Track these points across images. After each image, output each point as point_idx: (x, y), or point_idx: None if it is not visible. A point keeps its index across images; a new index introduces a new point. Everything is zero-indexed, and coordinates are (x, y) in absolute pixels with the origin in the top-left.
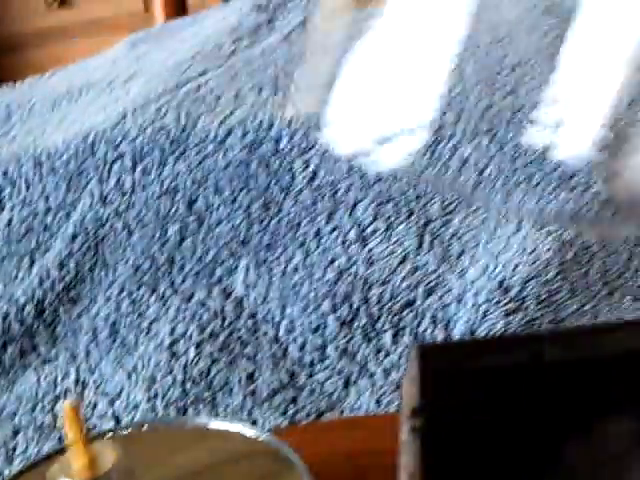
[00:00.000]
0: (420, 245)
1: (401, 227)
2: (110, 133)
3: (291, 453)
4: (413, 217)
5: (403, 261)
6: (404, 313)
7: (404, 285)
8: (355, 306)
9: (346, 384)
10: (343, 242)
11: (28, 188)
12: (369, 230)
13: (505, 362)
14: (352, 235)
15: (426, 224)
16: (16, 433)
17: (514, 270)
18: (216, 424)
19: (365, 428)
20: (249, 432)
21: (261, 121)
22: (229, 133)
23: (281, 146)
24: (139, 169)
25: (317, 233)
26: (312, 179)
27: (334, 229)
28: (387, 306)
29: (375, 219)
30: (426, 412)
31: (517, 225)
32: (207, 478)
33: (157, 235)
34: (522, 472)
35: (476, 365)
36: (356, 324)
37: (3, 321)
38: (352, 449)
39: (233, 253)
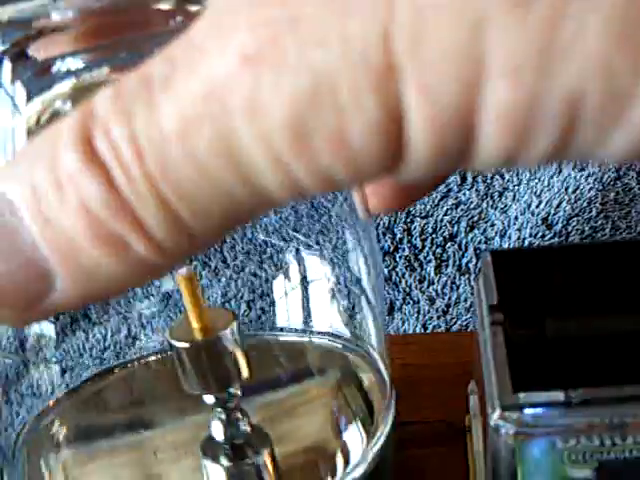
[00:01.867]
0: (463, 181)
1: None
2: None
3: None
4: None
5: (446, 196)
6: (447, 245)
7: (447, 219)
8: (398, 237)
9: (390, 310)
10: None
11: None
12: None
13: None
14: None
15: None
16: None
17: (557, 207)
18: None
19: (417, 344)
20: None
21: None
22: None
23: None
24: None
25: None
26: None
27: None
28: (430, 238)
29: None
30: (504, 308)
31: (558, 166)
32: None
33: None
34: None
35: (548, 268)
36: (399, 254)
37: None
38: (406, 362)
39: (284, 238)
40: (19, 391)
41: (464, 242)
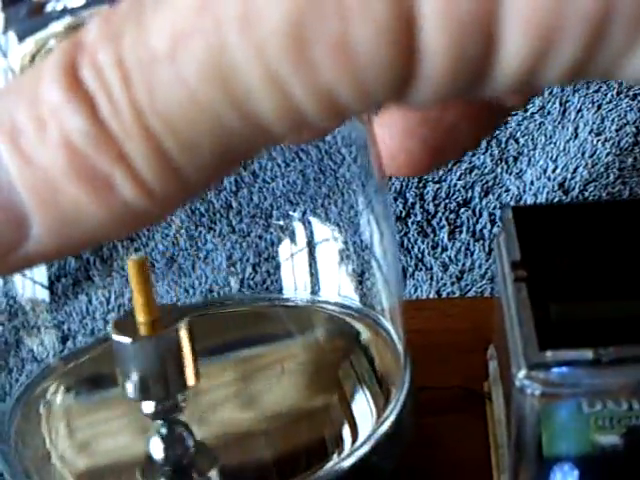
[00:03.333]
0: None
1: None
2: None
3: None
4: None
5: (459, 160)
6: (461, 211)
7: (460, 183)
8: (410, 202)
9: (403, 276)
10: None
11: None
12: None
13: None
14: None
15: None
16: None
17: (574, 173)
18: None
19: (433, 309)
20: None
21: None
22: None
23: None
24: None
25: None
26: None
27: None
28: (443, 203)
29: None
30: (526, 264)
31: (574, 131)
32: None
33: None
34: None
35: (571, 224)
36: (411, 219)
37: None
38: (423, 327)
39: (290, 201)
40: (10, 359)
41: (478, 208)
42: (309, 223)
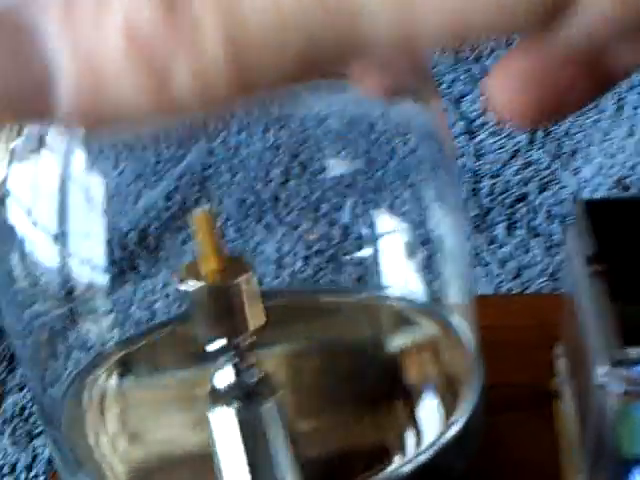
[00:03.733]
0: (532, 141)
1: None
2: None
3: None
4: None
5: (514, 156)
6: (517, 206)
7: (516, 179)
8: (464, 197)
9: None
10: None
11: (143, 149)
12: (477, 123)
13: None
14: (459, 128)
15: None
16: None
17: (632, 169)
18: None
19: (493, 306)
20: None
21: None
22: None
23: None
24: (244, 134)
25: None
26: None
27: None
28: (499, 199)
29: (484, 113)
30: (601, 259)
31: (629, 129)
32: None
33: (261, 176)
34: None
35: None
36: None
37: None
38: (484, 324)
39: (339, 194)
40: (65, 345)
41: (535, 204)
42: (371, 215)
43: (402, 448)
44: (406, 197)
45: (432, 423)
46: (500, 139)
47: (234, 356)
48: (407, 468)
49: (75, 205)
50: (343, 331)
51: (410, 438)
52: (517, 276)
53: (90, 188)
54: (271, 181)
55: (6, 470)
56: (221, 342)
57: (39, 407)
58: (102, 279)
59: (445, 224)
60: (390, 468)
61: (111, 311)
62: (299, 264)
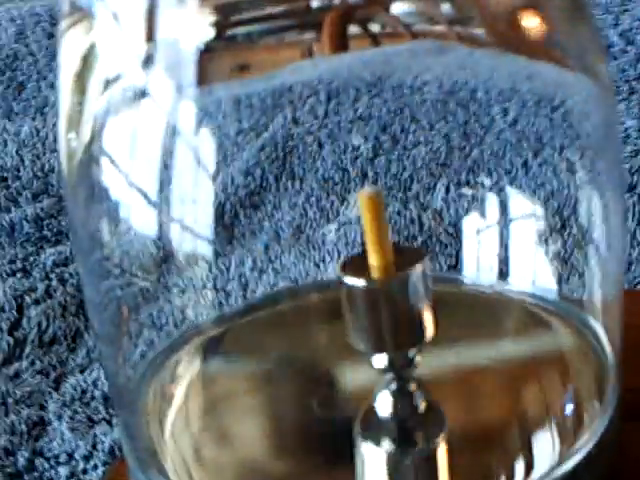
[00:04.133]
0: None
1: (621, 106)
2: (305, 79)
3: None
4: (634, 97)
5: (624, 142)
6: (625, 196)
7: (625, 167)
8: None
9: None
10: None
11: (224, 117)
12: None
13: None
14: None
15: None
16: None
17: None
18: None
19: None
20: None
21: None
22: (425, 83)
23: (478, 95)
24: (333, 102)
25: (524, 164)
26: (514, 124)
27: (542, 163)
28: None
29: None
30: None
31: None
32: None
33: (349, 150)
34: None
35: None
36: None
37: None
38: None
39: (432, 173)
40: (149, 321)
41: None
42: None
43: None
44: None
45: (547, 453)
46: None
47: (395, 377)
48: None
49: (181, 166)
50: (450, 329)
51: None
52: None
53: (199, 146)
54: (359, 157)
55: (62, 459)
56: (384, 358)
57: (113, 389)
58: (205, 250)
59: (593, 207)
60: None
61: (204, 287)
62: None
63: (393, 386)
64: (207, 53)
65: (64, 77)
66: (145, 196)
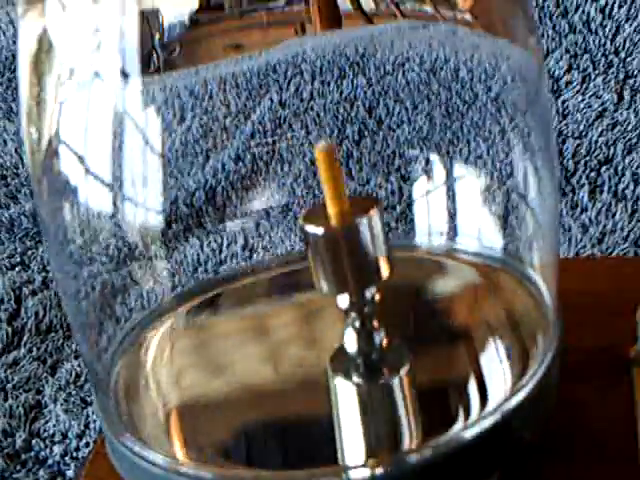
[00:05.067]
0: (619, 100)
1: (598, 80)
2: (291, 58)
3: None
4: (611, 70)
5: (600, 116)
6: (602, 169)
7: (601, 140)
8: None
9: None
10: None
11: (210, 99)
12: (563, 81)
13: None
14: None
15: (626, 79)
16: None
17: None
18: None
19: (572, 270)
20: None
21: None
22: (408, 59)
23: (461, 75)
24: (317, 81)
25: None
26: (495, 99)
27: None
28: (583, 161)
29: (569, 70)
30: None
31: None
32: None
33: (335, 134)
34: None
35: None
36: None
37: (171, 205)
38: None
39: (413, 147)
40: (119, 304)
41: (621, 166)
42: (441, 162)
43: (467, 408)
44: (493, 144)
45: (503, 380)
46: (586, 98)
47: (358, 315)
48: (473, 430)
49: (131, 149)
50: (406, 286)
51: (472, 399)
52: (600, 242)
53: (147, 129)
54: (344, 139)
55: (57, 438)
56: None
57: (90, 371)
58: (158, 230)
59: (533, 176)
60: (454, 430)
61: (168, 267)
62: None
63: (357, 324)
64: (199, 32)
65: (22, 70)
66: (101, 180)
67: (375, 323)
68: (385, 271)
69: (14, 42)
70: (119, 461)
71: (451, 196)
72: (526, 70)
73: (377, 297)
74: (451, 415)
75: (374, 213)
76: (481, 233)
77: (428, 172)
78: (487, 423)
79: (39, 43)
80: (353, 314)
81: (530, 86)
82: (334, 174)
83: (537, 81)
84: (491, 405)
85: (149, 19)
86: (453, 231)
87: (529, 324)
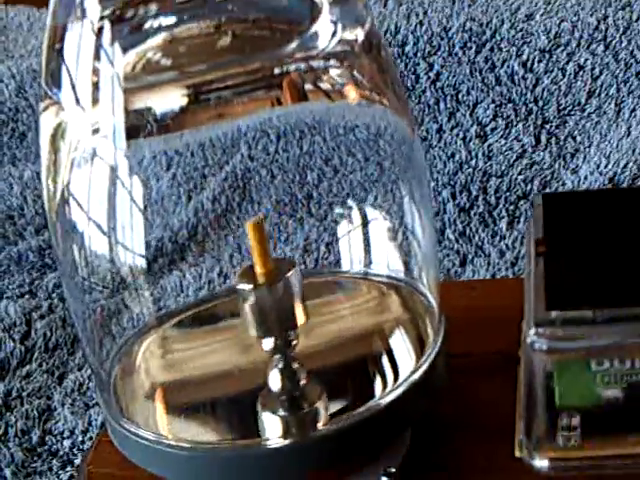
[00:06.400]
0: (537, 143)
1: (519, 125)
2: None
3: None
4: (531, 117)
5: (520, 156)
6: (520, 203)
7: (521, 178)
8: (474, 195)
9: (463, 262)
10: (463, 138)
11: (192, 155)
12: (489, 128)
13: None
14: (472, 132)
15: (543, 124)
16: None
17: (624, 168)
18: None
19: (480, 289)
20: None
21: (388, 28)
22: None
23: (406, 49)
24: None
25: (439, 130)
26: (435, 81)
27: (455, 126)
28: (504, 196)
29: (495, 118)
30: (548, 242)
31: (627, 129)
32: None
33: (297, 179)
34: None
35: (592, 209)
36: (474, 211)
37: (157, 242)
38: (469, 305)
39: (338, 196)
40: (116, 324)
41: None
42: (358, 208)
43: (385, 382)
44: (390, 193)
45: (409, 363)
46: (508, 141)
47: (283, 356)
48: (387, 398)
49: (121, 204)
50: (340, 297)
51: (386, 379)
52: (513, 265)
53: (133, 190)
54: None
55: (66, 434)
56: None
57: (96, 377)
58: (143, 266)
59: (416, 216)
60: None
61: (154, 294)
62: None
63: (280, 365)
64: (185, 115)
65: (43, 142)
66: (99, 226)
67: (295, 364)
68: (301, 318)
69: (17, 95)
70: (119, 440)
71: (365, 233)
72: (401, 132)
73: (295, 341)
74: (371, 388)
75: (293, 273)
76: (388, 261)
77: (349, 215)
78: (398, 391)
79: (55, 129)
80: (277, 356)
81: (407, 145)
82: (262, 242)
83: (410, 141)
84: (400, 380)
85: (143, 114)
86: (368, 259)
87: (423, 323)
